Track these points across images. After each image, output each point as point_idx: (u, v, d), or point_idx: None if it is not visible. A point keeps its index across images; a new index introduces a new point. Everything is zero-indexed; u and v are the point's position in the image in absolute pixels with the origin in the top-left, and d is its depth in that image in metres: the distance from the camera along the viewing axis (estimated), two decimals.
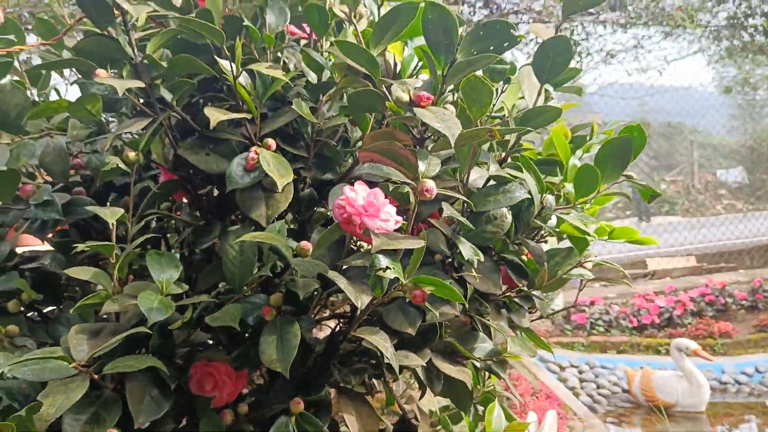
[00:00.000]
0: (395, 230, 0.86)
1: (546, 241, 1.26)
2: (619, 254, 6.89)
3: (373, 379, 1.29)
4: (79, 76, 1.12)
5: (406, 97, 0.81)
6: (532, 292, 1.26)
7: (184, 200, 1.25)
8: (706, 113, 9.62)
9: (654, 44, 6.74)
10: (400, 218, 0.86)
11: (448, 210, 0.95)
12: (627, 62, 6.39)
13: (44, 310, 1.18)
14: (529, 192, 1.10)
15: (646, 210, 13.23)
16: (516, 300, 1.23)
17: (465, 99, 0.92)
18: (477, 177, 1.08)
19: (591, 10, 6.23)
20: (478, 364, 1.12)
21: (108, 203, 1.26)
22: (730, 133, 20.23)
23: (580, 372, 4.60)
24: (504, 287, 1.22)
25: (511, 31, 0.84)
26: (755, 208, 14.49)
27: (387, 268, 0.76)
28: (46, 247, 1.23)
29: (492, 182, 1.06)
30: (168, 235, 1.28)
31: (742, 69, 10.07)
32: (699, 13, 6.56)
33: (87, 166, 1.23)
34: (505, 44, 0.85)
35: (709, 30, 7.16)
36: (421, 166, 0.80)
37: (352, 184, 0.87)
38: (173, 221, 1.26)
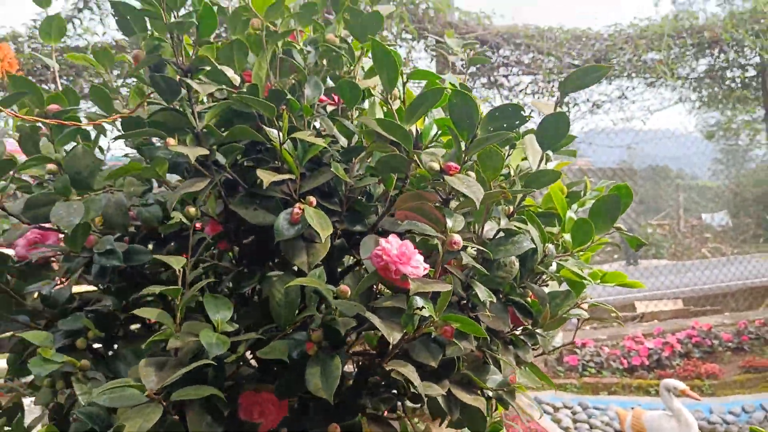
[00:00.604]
0: (424, 275, 1.02)
1: (547, 285, 1.42)
2: (608, 297, 7.06)
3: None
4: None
5: (437, 167, 0.98)
6: (536, 330, 1.41)
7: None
8: (691, 158, 9.95)
9: (637, 95, 7.02)
10: (427, 265, 1.02)
11: (466, 258, 1.11)
12: (612, 112, 6.66)
13: (96, 347, 1.32)
14: (533, 241, 1.26)
15: (633, 254, 13.49)
16: (521, 337, 1.38)
17: (480, 164, 1.09)
18: (489, 229, 1.24)
19: (577, 62, 6.53)
20: (490, 394, 1.26)
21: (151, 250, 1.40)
22: (714, 177, 20.65)
23: (573, 413, 4.71)
24: (512, 325, 1.38)
25: (521, 112, 1.01)
26: (740, 251, 14.78)
27: (422, 307, 0.91)
28: (90, 288, 1.38)
29: (501, 234, 1.22)
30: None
31: (724, 115, 10.46)
32: (678, 65, 6.89)
33: (137, 217, 1.38)
34: (516, 122, 1.02)
35: (689, 81, 7.50)
36: (449, 222, 0.96)
37: (382, 236, 1.03)
38: (214, 268, 1.41)
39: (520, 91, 6.65)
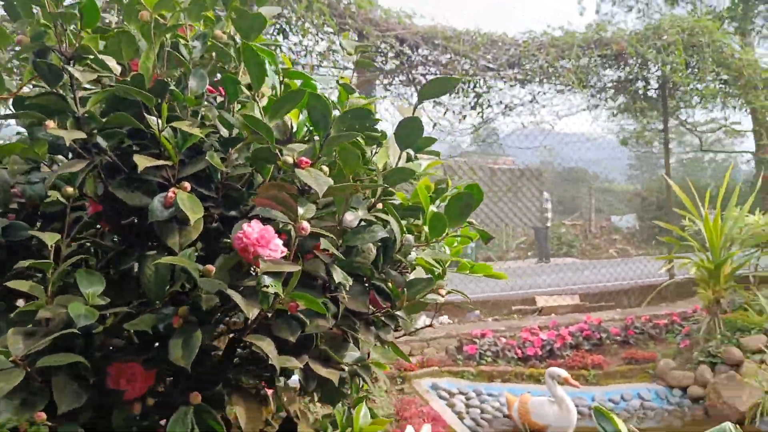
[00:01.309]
0: (283, 258, 1.14)
1: (409, 272, 1.56)
2: (511, 291, 7.42)
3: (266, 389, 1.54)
4: None
5: (290, 160, 1.09)
6: (396, 313, 1.55)
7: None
8: (609, 162, 10.50)
9: (547, 100, 7.37)
10: (285, 249, 1.14)
11: (324, 244, 1.24)
12: (524, 115, 6.98)
13: None
14: (393, 232, 1.40)
15: (546, 253, 14.11)
16: (382, 319, 1.52)
17: (340, 160, 1.22)
18: (353, 218, 1.37)
19: (491, 66, 6.80)
20: (346, 368, 1.39)
21: (36, 228, 1.46)
22: (629, 182, 21.70)
23: (468, 398, 4.96)
24: (373, 307, 1.52)
25: (372, 114, 1.14)
26: (645, 252, 15.65)
27: (269, 285, 1.03)
28: None
29: (363, 223, 1.35)
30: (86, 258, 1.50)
31: (640, 122, 11.11)
32: (587, 74, 7.28)
33: (22, 195, 1.42)
34: (368, 124, 1.15)
35: (597, 89, 7.93)
36: (300, 210, 1.08)
37: (250, 221, 1.14)
38: (95, 245, 1.47)
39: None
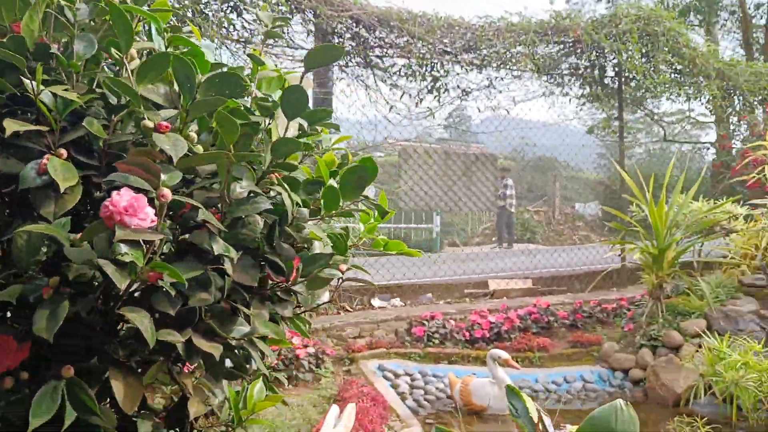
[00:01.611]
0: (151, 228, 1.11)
1: (306, 247, 1.54)
2: (463, 276, 7.47)
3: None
4: None
5: (150, 124, 1.06)
6: (295, 288, 1.53)
7: None
8: (580, 151, 10.71)
9: (504, 85, 7.39)
10: (156, 218, 1.11)
11: (203, 214, 1.21)
12: (480, 100, 6.97)
13: None
14: (283, 204, 1.38)
15: (509, 238, 14.25)
16: (278, 294, 1.50)
17: (220, 128, 1.19)
18: (242, 190, 1.34)
19: (448, 49, 6.78)
20: (234, 343, 1.37)
21: None
22: (598, 170, 22.03)
23: (413, 380, 4.99)
24: (269, 281, 1.49)
25: (241, 81, 1.11)
26: (606, 239, 15.92)
27: (125, 254, 1.00)
28: None
29: (251, 195, 1.33)
30: None
31: (606, 111, 11.28)
32: (544, 61, 7.31)
33: None
34: (238, 90, 1.12)
35: (553, 76, 7.97)
36: (164, 177, 1.05)
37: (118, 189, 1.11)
38: None
39: (395, 72, 6.83)
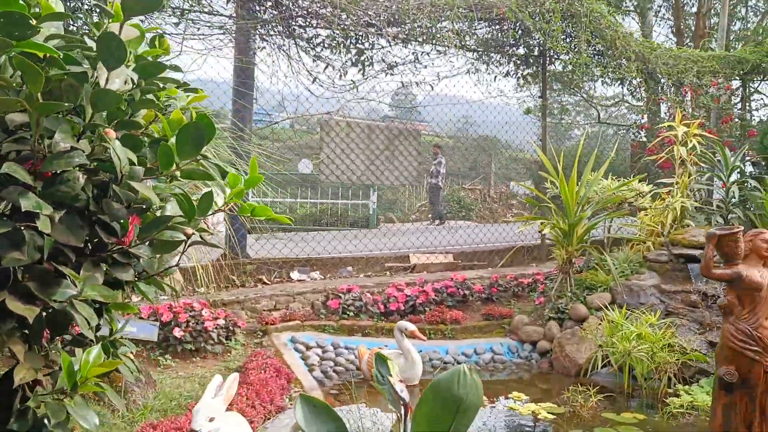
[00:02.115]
0: None
1: (147, 209, 1.48)
2: (385, 249, 7.50)
3: None
4: None
5: None
6: (137, 251, 1.47)
7: None
8: (522, 130, 10.97)
9: (429, 60, 7.38)
10: None
11: (7, 168, 1.14)
12: (406, 75, 6.96)
13: None
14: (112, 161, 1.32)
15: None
16: (114, 256, 1.45)
17: (25, 78, 1.12)
18: (65, 145, 1.27)
19: (373, 22, 6.71)
20: (56, 306, 1.31)
21: None
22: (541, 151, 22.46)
23: (324, 351, 4.99)
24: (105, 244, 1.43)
25: (28, 20, 1.04)
26: (520, 216, 16.26)
27: None
28: None
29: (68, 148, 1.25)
30: None
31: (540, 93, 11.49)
32: (468, 37, 7.34)
33: None
34: (28, 32, 1.06)
35: (478, 53, 8.01)
36: None
37: None
38: None
39: (318, 44, 6.72)
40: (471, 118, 12.06)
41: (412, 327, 4.51)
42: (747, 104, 10.36)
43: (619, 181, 6.05)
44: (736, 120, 8.90)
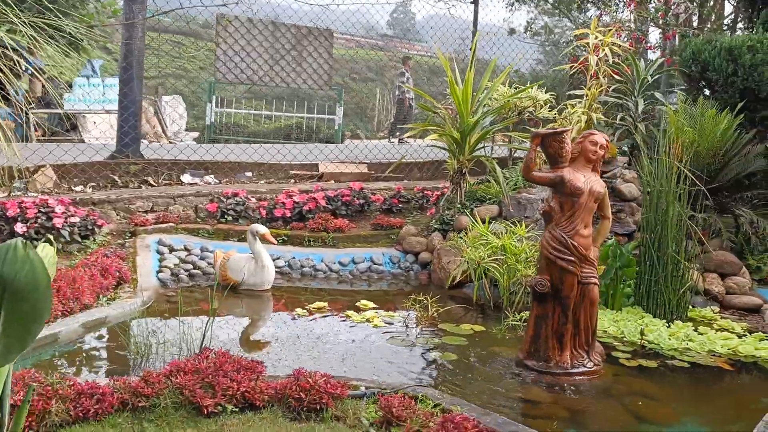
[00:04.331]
0: None
1: None
2: (288, 156, 7.19)
3: None
4: None
5: None
6: None
7: None
8: (522, 56, 10.67)
9: None
10: None
11: None
12: None
13: None
14: None
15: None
16: None
17: None
18: None
19: None
20: None
21: None
22: (532, 74, 22.09)
23: (189, 254, 4.79)
24: None
25: None
26: (416, 124, 15.99)
27: None
28: None
29: None
30: None
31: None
32: None
33: None
34: None
35: None
36: None
37: None
38: None
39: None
40: (468, 40, 11.72)
41: (264, 230, 4.30)
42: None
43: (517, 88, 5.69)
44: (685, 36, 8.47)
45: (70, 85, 12.46)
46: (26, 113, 9.83)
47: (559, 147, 2.96)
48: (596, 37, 5.53)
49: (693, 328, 3.96)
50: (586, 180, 2.98)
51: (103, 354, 3.15)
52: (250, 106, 16.42)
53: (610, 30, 5.72)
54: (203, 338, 2.86)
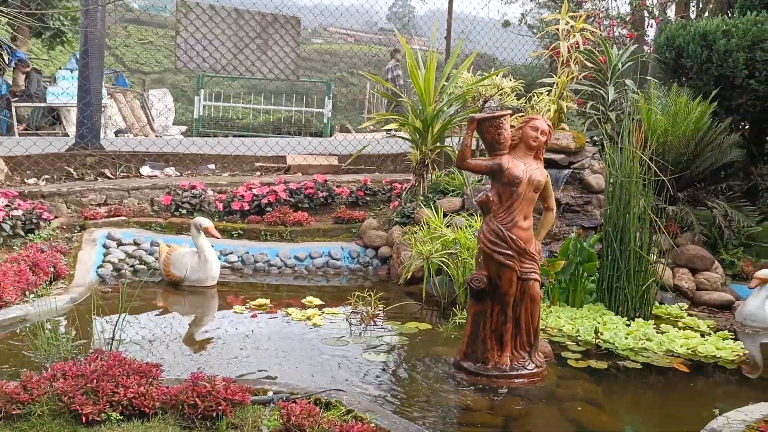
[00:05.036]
0: None
1: None
2: (260, 151, 6.98)
3: None
4: None
5: None
6: None
7: None
8: (516, 48, 10.62)
9: None
10: None
11: None
12: None
13: None
14: None
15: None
16: None
17: None
18: None
19: None
20: None
21: None
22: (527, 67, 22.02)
23: (137, 249, 4.60)
24: None
25: None
26: (379, 114, 15.76)
27: None
28: None
29: None
30: None
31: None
32: None
33: None
34: None
35: None
36: None
37: None
38: None
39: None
40: (470, 35, 11.59)
41: (207, 223, 4.11)
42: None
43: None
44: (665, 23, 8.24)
45: (54, 78, 12.25)
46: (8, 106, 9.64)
47: (496, 133, 2.76)
48: (567, 23, 5.32)
49: (655, 326, 3.78)
50: (525, 168, 2.78)
51: (9, 356, 2.95)
52: (248, 100, 16.20)
53: (581, 15, 5.50)
54: (112, 338, 2.67)
